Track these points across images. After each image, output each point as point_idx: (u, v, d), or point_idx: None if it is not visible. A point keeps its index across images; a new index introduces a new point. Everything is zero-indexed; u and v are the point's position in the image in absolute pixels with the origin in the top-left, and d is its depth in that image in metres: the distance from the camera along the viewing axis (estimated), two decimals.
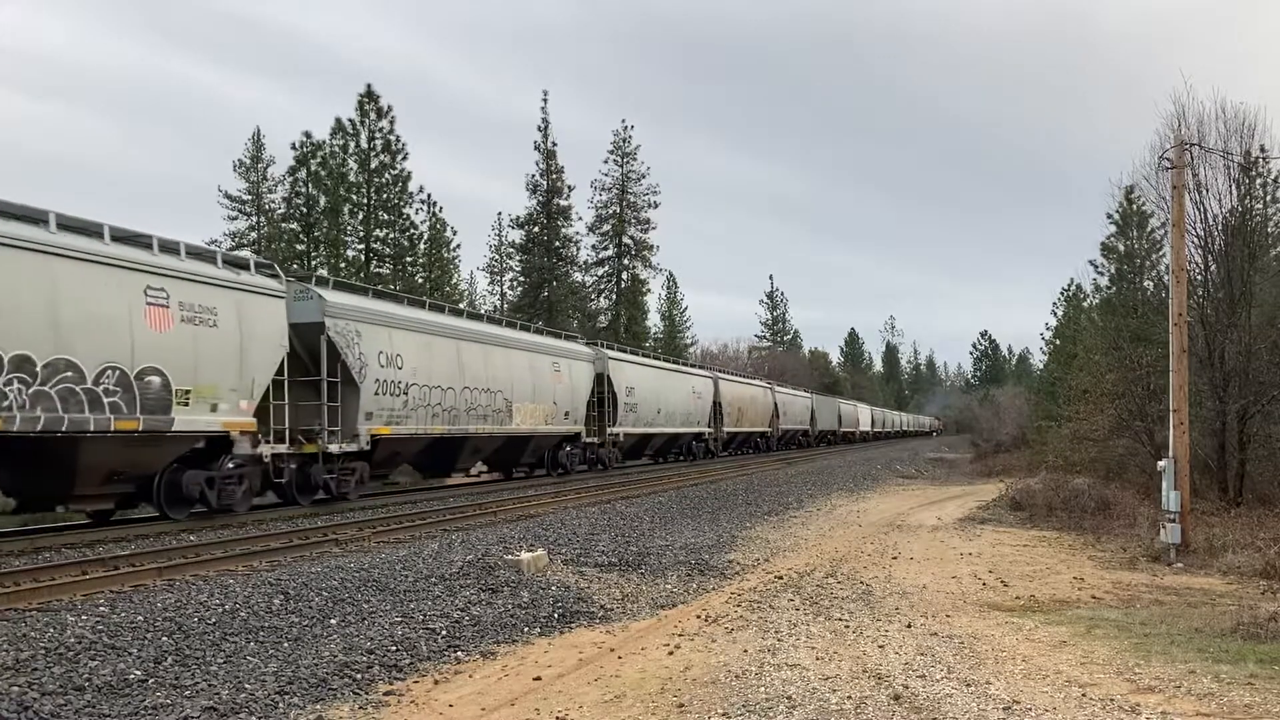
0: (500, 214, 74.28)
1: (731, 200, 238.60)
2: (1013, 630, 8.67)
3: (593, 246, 59.68)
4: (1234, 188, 21.76)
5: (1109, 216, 38.02)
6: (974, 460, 54.82)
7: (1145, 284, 34.63)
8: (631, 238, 59.96)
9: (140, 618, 8.20)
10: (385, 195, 41.82)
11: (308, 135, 40.68)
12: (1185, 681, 6.76)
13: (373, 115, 41.46)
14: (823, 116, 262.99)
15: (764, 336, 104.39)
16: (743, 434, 49.25)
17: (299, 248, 40.70)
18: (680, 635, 8.50)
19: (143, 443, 14.36)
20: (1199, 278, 21.53)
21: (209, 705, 6.14)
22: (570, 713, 6.26)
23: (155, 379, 14.38)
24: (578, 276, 57.60)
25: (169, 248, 15.22)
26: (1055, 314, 59.47)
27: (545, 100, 54.64)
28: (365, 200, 41.62)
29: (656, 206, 60.07)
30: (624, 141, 59.72)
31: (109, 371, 13.66)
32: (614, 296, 59.77)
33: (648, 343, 59.43)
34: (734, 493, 24.27)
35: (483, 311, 40.98)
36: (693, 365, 49.29)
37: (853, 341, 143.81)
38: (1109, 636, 8.34)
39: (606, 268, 60.12)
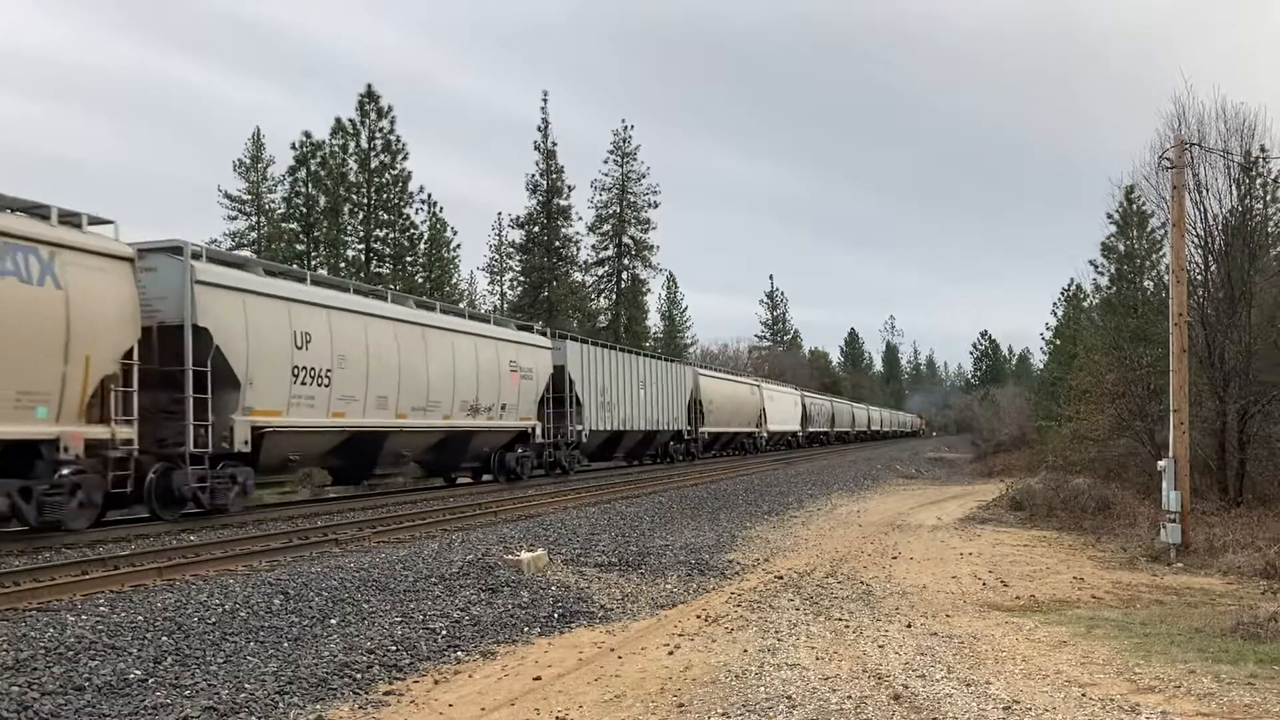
0: (500, 214, 74.48)
1: (731, 200, 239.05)
2: (1013, 630, 8.67)
3: (593, 246, 59.80)
4: (1234, 187, 21.82)
5: (1109, 216, 38.07)
6: (974, 460, 54.89)
7: (1145, 284, 34.69)
8: (631, 238, 60.03)
9: (140, 618, 8.19)
10: (385, 195, 41.83)
11: (307, 135, 40.71)
12: (1185, 681, 6.76)
13: (373, 115, 41.48)
14: (822, 116, 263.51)
15: (764, 336, 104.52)
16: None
17: (299, 248, 40.72)
18: (680, 635, 8.49)
19: None
20: (1199, 278, 21.54)
21: (209, 705, 6.14)
22: (570, 712, 6.26)
23: None
24: (578, 276, 57.67)
25: None
26: (1055, 314, 59.44)
27: (545, 100, 54.79)
28: (365, 200, 41.63)
29: (656, 206, 60.24)
30: (624, 141, 59.86)
31: None
32: (614, 296, 59.82)
33: (648, 343, 59.46)
34: (733, 493, 24.28)
35: (479, 308, 40.86)
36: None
37: (853, 341, 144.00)
38: (1109, 636, 8.34)
39: (606, 268, 60.21)
